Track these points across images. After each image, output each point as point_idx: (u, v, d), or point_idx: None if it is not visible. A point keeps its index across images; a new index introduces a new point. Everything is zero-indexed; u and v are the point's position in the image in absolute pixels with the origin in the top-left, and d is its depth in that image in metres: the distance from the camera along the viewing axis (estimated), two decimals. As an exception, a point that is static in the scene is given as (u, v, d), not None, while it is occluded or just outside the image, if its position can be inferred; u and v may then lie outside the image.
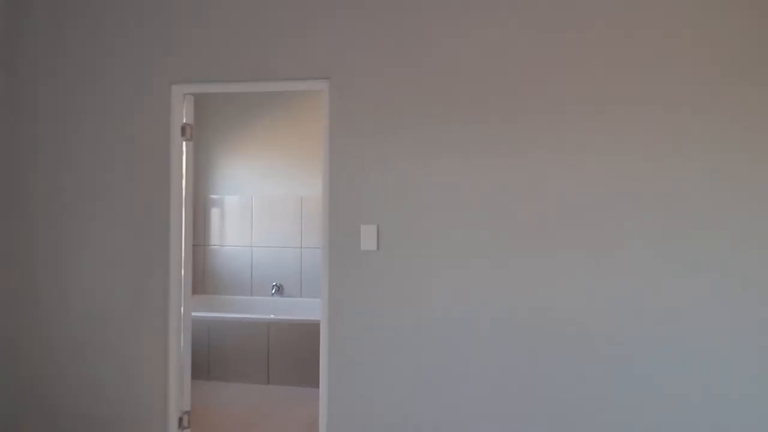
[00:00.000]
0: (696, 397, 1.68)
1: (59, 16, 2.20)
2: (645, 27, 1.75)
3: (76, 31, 2.18)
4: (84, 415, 2.14)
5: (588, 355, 1.77)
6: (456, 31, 1.90)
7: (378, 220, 1.96)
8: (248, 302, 3.77)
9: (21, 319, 2.21)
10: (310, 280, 3.76)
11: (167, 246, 2.13)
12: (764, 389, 1.64)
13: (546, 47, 1.83)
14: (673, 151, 1.73)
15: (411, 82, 1.94)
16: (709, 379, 1.68)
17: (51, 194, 2.19)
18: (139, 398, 2.12)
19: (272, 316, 3.31)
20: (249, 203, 3.85)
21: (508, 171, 1.86)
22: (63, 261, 2.19)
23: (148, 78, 2.13)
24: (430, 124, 1.92)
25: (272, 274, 3.81)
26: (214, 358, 3.17)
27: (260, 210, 3.84)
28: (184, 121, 2.21)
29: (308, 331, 3.09)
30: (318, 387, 3.03)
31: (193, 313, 2.38)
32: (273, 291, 3.76)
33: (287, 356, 3.11)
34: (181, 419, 2.15)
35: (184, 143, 2.22)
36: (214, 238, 3.90)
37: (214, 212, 3.94)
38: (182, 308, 2.19)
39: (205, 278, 3.85)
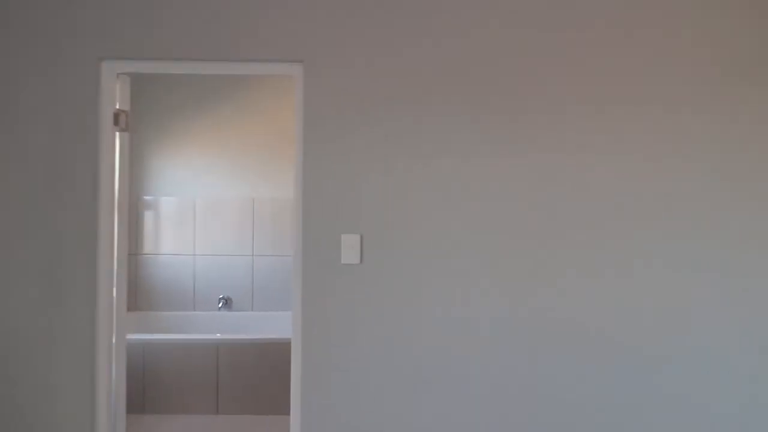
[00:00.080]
0: (696, 398, 1.64)
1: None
2: (645, 27, 1.67)
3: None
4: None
5: (595, 369, 1.64)
6: (455, 26, 1.69)
7: (361, 228, 1.69)
8: (191, 319, 3.32)
9: None
10: (263, 292, 3.39)
11: (95, 256, 1.72)
12: (765, 389, 1.62)
13: (545, 45, 1.68)
14: (673, 151, 1.67)
15: (402, 72, 1.70)
16: (710, 379, 1.64)
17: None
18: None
19: (218, 335, 2.91)
20: (191, 206, 3.39)
21: (509, 172, 1.68)
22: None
23: (71, 51, 1.69)
24: (423, 122, 1.69)
25: (219, 285, 3.38)
26: (150, 387, 2.71)
27: (204, 213, 3.39)
28: (118, 106, 1.80)
29: (263, 351, 2.74)
30: (277, 414, 2.73)
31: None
32: (220, 305, 3.34)
33: (239, 381, 2.73)
34: (113, 468, 1.75)
35: (117, 134, 1.81)
36: (148, 246, 3.40)
37: (148, 216, 3.43)
38: (114, 329, 1.80)
39: (137, 292, 3.34)
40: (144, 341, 2.74)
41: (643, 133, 1.69)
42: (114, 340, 1.81)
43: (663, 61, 1.68)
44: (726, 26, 1.67)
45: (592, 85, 1.69)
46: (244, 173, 3.41)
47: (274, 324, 3.32)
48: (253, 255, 3.39)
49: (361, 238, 1.69)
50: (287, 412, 1.81)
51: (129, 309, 3.22)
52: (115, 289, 1.81)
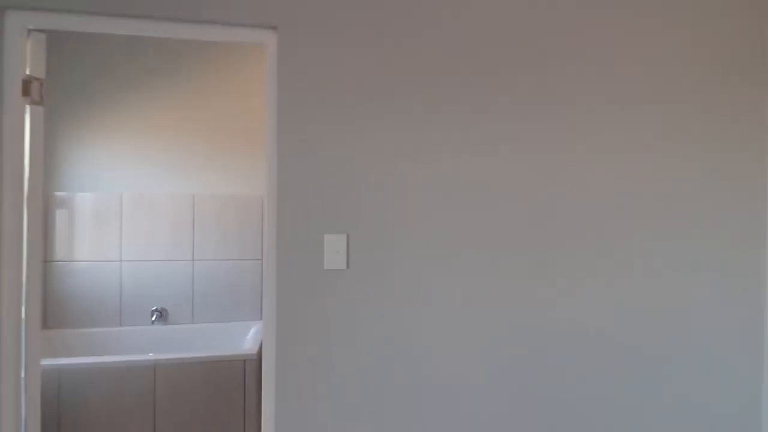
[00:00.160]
0: (696, 398, 1.62)
1: None
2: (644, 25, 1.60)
3: None
4: None
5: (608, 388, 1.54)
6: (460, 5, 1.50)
7: (348, 227, 1.44)
8: (117, 336, 2.83)
9: None
10: (205, 302, 2.98)
11: (-4, 265, 1.31)
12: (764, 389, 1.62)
13: (550, 40, 1.55)
14: (672, 151, 1.62)
15: (398, 47, 1.47)
16: (710, 379, 1.61)
17: None
18: None
19: (152, 355, 2.49)
20: (116, 203, 2.90)
21: (511, 167, 1.52)
22: None
23: (-42, -7, 1.27)
24: (419, 108, 1.48)
25: (151, 295, 2.92)
26: (68, 422, 2.23)
27: (133, 212, 2.92)
28: (28, 72, 1.40)
29: (209, 371, 2.37)
30: (229, 443, 2.37)
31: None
32: (153, 318, 2.88)
33: (181, 407, 2.34)
34: None
35: (28, 107, 1.40)
36: (60, 251, 2.85)
37: (60, 216, 2.88)
38: (24, 355, 1.40)
39: (48, 307, 2.78)
40: (59, 367, 2.25)
41: (643, 133, 1.62)
42: (23, 372, 1.40)
43: (663, 60, 1.63)
44: (726, 26, 1.65)
45: (595, 84, 1.60)
46: (182, 165, 2.98)
47: (220, 338, 2.94)
48: (193, 260, 2.97)
49: (348, 238, 1.44)
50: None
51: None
52: (24, 306, 1.40)
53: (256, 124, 3.05)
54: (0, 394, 1.35)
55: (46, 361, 2.21)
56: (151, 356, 2.37)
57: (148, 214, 2.93)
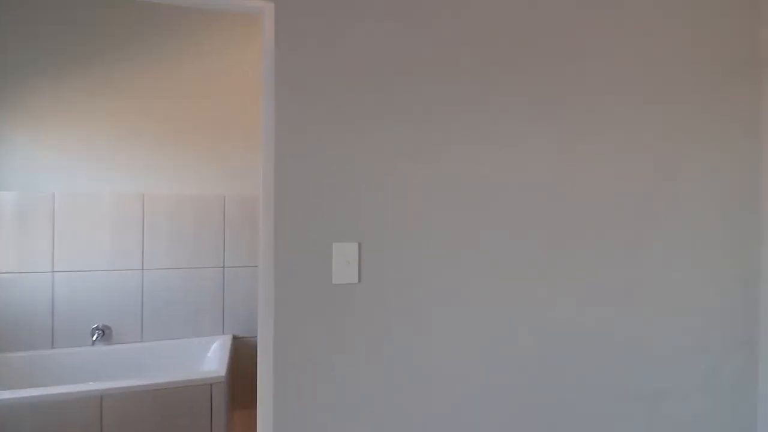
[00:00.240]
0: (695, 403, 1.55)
1: None
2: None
3: None
4: None
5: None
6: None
7: (360, 235, 1.24)
8: (50, 361, 2.40)
9: None
10: (157, 315, 2.62)
11: None
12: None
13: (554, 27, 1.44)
14: (673, 151, 1.58)
15: (418, 25, 1.29)
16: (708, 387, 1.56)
17: None
18: None
19: (92, 384, 2.13)
20: (47, 205, 2.47)
21: (544, 165, 1.40)
22: None
23: None
24: (444, 93, 1.30)
25: (92, 312, 2.52)
26: (-13, 472, 1.82)
27: (68, 215, 2.50)
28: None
29: (168, 400, 2.05)
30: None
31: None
32: (95, 338, 2.48)
33: (134, 442, 2.00)
34: None
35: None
36: (-27, 260, 2.38)
37: (-27, 218, 2.41)
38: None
39: (-43, 329, 2.30)
40: (-25, 405, 1.83)
41: (643, 133, 1.56)
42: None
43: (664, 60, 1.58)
44: (726, 26, 1.64)
45: (594, 84, 1.51)
46: (129, 160, 2.60)
47: (176, 358, 2.59)
48: (142, 269, 2.60)
49: (360, 248, 1.24)
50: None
51: (-57, 356, 2.25)
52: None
53: (220, 113, 2.74)
54: None
55: (-42, 400, 1.79)
56: (94, 386, 2.01)
57: (86, 217, 2.52)
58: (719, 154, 1.63)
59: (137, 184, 2.60)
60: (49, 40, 2.47)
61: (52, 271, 2.46)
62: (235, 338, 2.74)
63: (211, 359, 2.56)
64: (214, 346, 2.63)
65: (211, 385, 2.09)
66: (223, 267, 2.73)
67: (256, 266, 2.78)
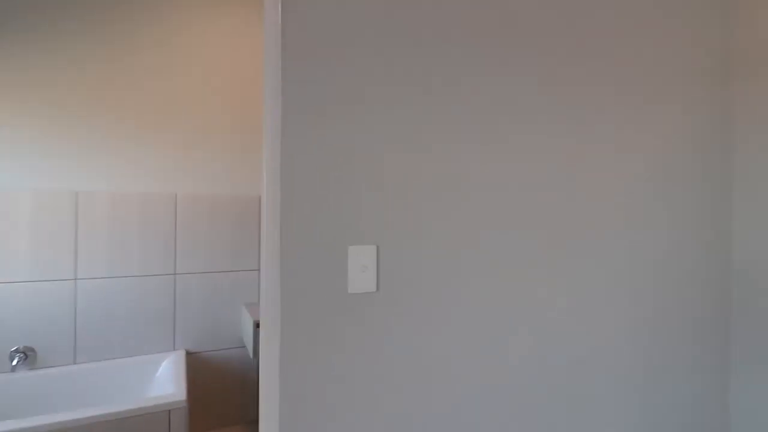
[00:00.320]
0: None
1: None
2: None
3: None
4: None
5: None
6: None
7: (378, 237, 1.08)
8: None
9: None
10: (93, 332, 2.25)
11: None
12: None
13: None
14: (673, 151, 1.58)
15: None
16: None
17: None
18: None
19: (9, 422, 1.79)
20: (-51, 203, 2.02)
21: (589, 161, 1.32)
22: None
23: None
24: (475, 75, 1.18)
25: (10, 331, 2.10)
26: None
27: (-21, 216, 2.07)
28: None
29: None
30: None
31: None
32: (14, 362, 2.07)
33: (73, 487, 1.67)
34: None
35: None
36: None
37: None
38: None
39: None
40: None
41: (642, 133, 1.56)
42: None
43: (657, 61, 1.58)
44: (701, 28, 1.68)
45: (596, 85, 1.48)
46: (60, 153, 2.21)
47: (118, 382, 2.24)
48: (75, 278, 2.22)
49: (378, 251, 1.08)
50: None
51: None
52: None
53: (168, 100, 2.42)
54: None
55: None
56: (13, 424, 1.66)
57: (2, 219, 2.10)
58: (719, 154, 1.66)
59: (70, 181, 2.22)
60: (-49, 2, 2.03)
61: (-43, 285, 2.03)
62: (188, 354, 2.44)
63: (162, 380, 2.24)
64: (164, 364, 2.32)
65: (169, 411, 1.81)
66: (174, 274, 2.42)
67: (212, 272, 2.50)
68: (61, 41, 2.20)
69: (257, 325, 2.20)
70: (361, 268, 1.06)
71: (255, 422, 2.57)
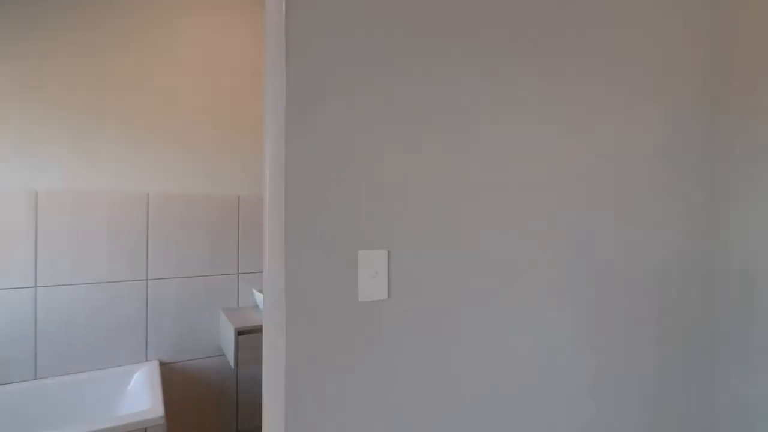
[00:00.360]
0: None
1: None
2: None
3: None
4: None
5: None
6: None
7: (389, 240, 1.01)
8: None
9: None
10: (57, 344, 2.07)
11: None
12: None
13: None
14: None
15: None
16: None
17: None
18: None
19: None
20: None
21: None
22: None
23: None
24: (495, 62, 1.12)
25: (-39, 346, 1.90)
26: None
27: None
28: None
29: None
30: None
31: None
32: (-35, 381, 1.87)
33: None
34: None
35: None
36: None
37: None
38: None
39: None
40: None
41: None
42: None
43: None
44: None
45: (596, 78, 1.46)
46: (17, 147, 2.01)
47: (86, 398, 2.07)
48: (35, 286, 2.03)
49: (389, 255, 1.01)
50: None
51: None
52: None
53: (154, 89, 2.26)
54: None
55: None
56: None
57: (-48, 220, 1.90)
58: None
59: (27, 179, 2.03)
60: None
61: None
62: (162, 365, 2.28)
63: (134, 394, 2.09)
64: (137, 376, 2.16)
65: (145, 429, 1.67)
66: (146, 279, 2.26)
67: (188, 277, 2.35)
68: (30, 31, 2.00)
69: (239, 333, 2.08)
70: (371, 274, 0.98)
71: (234, 434, 2.44)
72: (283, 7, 0.90)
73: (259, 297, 2.33)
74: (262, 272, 2.57)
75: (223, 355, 2.43)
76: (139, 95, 2.25)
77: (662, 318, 1.51)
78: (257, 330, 2.13)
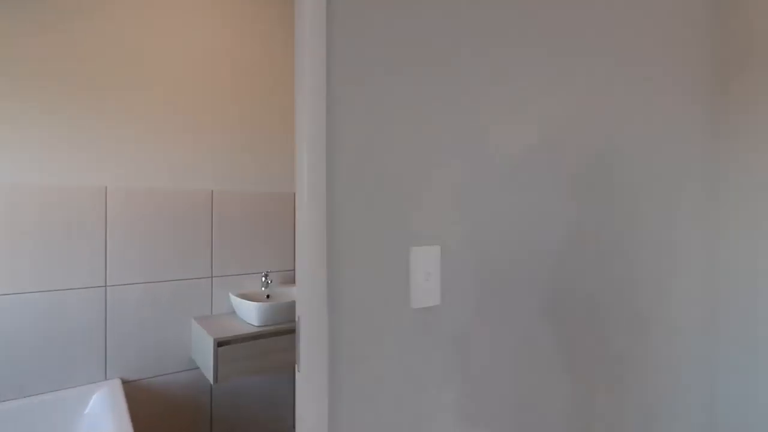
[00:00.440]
0: None
1: None
2: None
3: None
4: None
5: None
6: None
7: (441, 234, 0.86)
8: None
9: None
10: (21, 360, 1.74)
11: None
12: None
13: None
14: None
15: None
16: None
17: None
18: None
19: None
20: None
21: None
22: None
23: None
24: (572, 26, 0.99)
25: None
26: None
27: None
28: None
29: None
30: None
31: None
32: None
33: None
34: None
35: None
36: None
37: None
38: None
39: None
40: None
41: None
42: None
43: None
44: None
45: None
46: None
47: (33, 425, 1.75)
48: (-33, 297, 1.69)
49: (441, 252, 0.86)
50: None
51: None
52: None
53: (118, 67, 1.96)
54: None
55: None
56: None
57: None
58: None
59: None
60: None
61: None
62: (125, 383, 2.00)
63: (93, 419, 1.80)
64: (95, 398, 1.87)
65: (114, 463, 1.42)
66: (105, 286, 1.96)
67: (154, 282, 2.07)
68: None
69: (219, 344, 1.85)
70: (423, 274, 0.83)
71: (208, 456, 2.19)
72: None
73: (237, 302, 2.10)
74: (239, 275, 2.33)
75: (197, 368, 2.17)
76: (98, 79, 1.95)
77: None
78: (239, 340, 1.90)
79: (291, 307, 2.06)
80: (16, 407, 1.74)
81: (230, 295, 2.16)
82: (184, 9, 2.19)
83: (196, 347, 2.07)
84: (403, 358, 0.80)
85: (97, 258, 1.94)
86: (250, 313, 2.03)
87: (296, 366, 0.79)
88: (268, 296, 2.30)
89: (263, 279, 2.30)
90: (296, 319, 0.79)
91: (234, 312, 2.26)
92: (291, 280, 2.49)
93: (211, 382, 1.84)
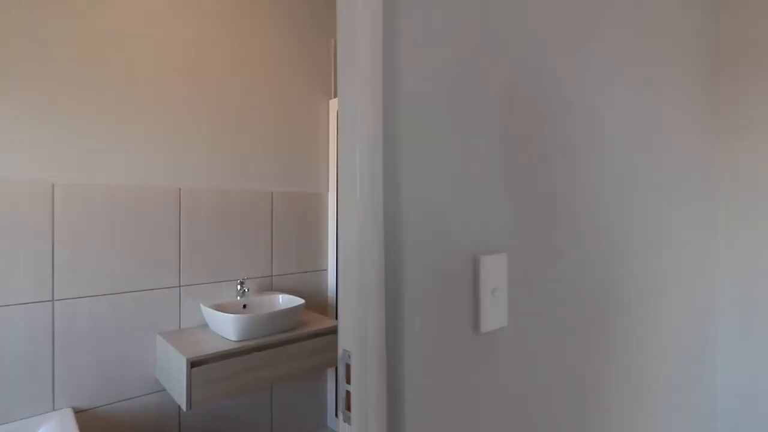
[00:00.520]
0: None
1: None
2: None
3: None
4: None
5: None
6: None
7: (508, 242, 0.70)
8: None
9: None
10: None
11: None
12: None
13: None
14: None
15: None
16: None
17: None
18: None
19: None
20: None
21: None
22: None
23: None
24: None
25: None
26: None
27: None
28: None
29: None
30: None
31: None
32: None
33: None
34: None
35: None
36: None
37: None
38: None
39: None
40: None
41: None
42: None
43: None
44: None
45: None
46: None
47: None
48: None
49: (509, 262, 0.70)
50: None
51: None
52: None
53: (47, 66, 1.66)
54: None
55: None
56: None
57: None
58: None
59: None
60: None
61: None
62: (78, 412, 1.71)
63: (39, 459, 1.51)
64: (41, 433, 1.57)
65: None
66: (52, 300, 1.67)
67: (111, 294, 1.79)
68: None
69: (193, 365, 1.61)
70: (489, 289, 0.67)
71: (176, 489, 1.93)
72: None
73: (209, 314, 1.85)
74: (211, 283, 2.07)
75: (162, 390, 1.90)
76: (58, 67, 1.65)
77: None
78: (215, 359, 1.67)
79: (272, 318, 1.85)
80: (-63, 451, 1.42)
81: (202, 306, 1.91)
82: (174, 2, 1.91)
83: (161, 366, 1.81)
84: (463, 385, 0.64)
85: (42, 267, 1.64)
86: (225, 327, 1.80)
87: (339, 413, 0.61)
88: (244, 306, 2.06)
89: (238, 287, 2.06)
90: (339, 353, 0.60)
91: (206, 325, 2.01)
92: (269, 288, 2.26)
93: (183, 408, 1.59)
